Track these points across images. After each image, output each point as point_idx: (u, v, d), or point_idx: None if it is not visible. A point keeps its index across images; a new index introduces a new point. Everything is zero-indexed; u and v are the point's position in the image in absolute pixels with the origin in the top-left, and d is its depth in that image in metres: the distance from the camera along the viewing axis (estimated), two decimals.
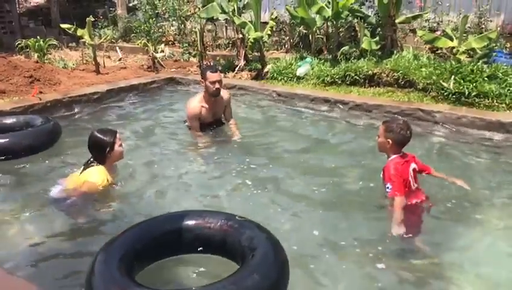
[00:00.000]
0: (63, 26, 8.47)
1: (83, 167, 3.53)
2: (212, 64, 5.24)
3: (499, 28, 7.19)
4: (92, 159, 3.52)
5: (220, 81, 4.73)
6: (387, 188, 3.28)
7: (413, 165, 3.42)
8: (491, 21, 7.76)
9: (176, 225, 2.70)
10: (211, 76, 4.66)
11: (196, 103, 4.86)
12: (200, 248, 2.68)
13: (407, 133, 3.36)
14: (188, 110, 4.90)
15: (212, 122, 5.06)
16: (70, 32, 8.47)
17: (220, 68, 5.11)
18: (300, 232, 3.18)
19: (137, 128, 5.44)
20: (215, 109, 4.97)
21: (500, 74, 5.72)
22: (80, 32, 8.32)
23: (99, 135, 3.51)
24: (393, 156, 3.39)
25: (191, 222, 2.69)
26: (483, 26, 7.62)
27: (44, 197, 3.55)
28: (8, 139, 4.44)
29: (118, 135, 3.58)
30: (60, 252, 2.99)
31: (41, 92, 6.55)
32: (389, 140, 3.36)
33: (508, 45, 7.17)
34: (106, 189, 3.49)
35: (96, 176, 3.43)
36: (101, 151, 3.49)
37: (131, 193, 3.66)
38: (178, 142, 4.92)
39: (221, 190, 3.75)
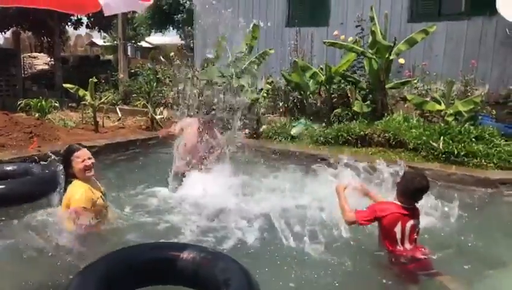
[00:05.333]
0: (66, 86, 8.79)
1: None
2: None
3: (483, 93, 7.51)
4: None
5: (203, 130, 5.21)
6: (364, 208, 3.33)
7: (412, 222, 3.25)
8: (476, 90, 8.12)
9: (151, 255, 2.72)
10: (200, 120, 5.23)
11: (193, 120, 5.38)
12: (174, 279, 2.67)
13: (411, 186, 3.22)
14: (184, 119, 5.47)
15: (194, 154, 5.16)
16: (72, 92, 8.77)
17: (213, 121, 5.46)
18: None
19: (130, 176, 5.56)
20: (203, 137, 5.22)
21: (487, 135, 5.95)
22: (81, 92, 8.62)
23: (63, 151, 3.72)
24: (392, 201, 3.34)
25: (165, 253, 2.71)
26: (469, 94, 7.97)
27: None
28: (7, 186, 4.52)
29: (78, 153, 3.58)
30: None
31: (39, 147, 6.66)
32: (397, 188, 3.35)
33: (494, 112, 7.47)
34: (100, 204, 3.56)
35: (74, 192, 3.49)
36: (63, 165, 3.64)
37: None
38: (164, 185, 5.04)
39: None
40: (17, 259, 3.33)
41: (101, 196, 3.65)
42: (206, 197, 4.53)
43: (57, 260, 3.26)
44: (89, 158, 3.61)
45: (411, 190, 3.24)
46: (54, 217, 3.69)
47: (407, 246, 3.25)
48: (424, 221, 3.89)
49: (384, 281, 3.17)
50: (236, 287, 2.32)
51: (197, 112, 5.58)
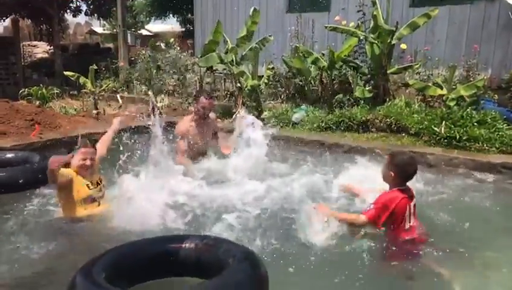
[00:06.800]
0: (67, 73, 8.76)
1: None
2: (209, 93, 5.56)
3: (485, 78, 7.45)
4: None
5: (206, 108, 5.16)
6: (369, 205, 3.32)
7: (413, 203, 3.35)
8: (478, 74, 8.06)
9: (157, 248, 2.72)
10: (202, 101, 5.16)
11: (184, 122, 5.30)
12: (181, 271, 2.68)
13: (411, 169, 3.34)
14: (176, 127, 5.28)
15: (201, 150, 5.25)
16: (73, 79, 8.75)
17: (213, 98, 5.42)
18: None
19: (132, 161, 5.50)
20: (203, 128, 5.25)
21: (489, 120, 5.92)
22: (82, 79, 8.60)
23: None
24: (394, 189, 3.35)
25: (171, 246, 2.71)
26: (471, 79, 7.92)
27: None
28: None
29: (83, 150, 3.63)
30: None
31: (41, 134, 6.66)
32: (391, 173, 3.35)
33: (496, 96, 7.43)
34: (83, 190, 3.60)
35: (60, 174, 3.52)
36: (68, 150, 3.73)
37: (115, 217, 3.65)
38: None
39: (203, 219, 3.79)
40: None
41: (87, 185, 3.67)
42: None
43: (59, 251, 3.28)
44: (91, 158, 3.66)
45: (411, 173, 3.37)
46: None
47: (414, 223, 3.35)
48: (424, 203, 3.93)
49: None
50: (239, 260, 2.37)
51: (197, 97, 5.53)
